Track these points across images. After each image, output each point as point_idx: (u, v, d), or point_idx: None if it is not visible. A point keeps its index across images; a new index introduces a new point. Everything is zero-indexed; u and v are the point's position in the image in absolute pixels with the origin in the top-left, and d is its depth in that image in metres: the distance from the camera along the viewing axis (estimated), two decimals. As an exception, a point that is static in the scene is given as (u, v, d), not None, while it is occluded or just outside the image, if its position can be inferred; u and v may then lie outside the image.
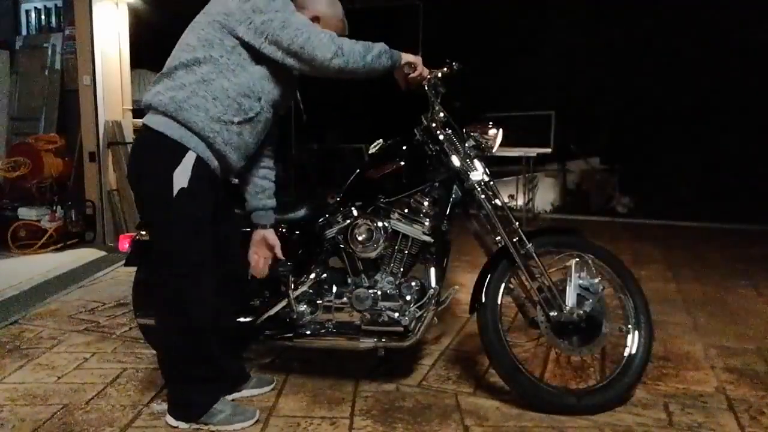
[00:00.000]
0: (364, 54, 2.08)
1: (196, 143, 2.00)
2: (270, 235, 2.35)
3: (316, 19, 2.17)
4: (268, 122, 2.17)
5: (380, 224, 2.40)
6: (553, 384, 2.37)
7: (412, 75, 2.25)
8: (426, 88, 2.32)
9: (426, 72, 2.28)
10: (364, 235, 2.40)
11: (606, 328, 2.28)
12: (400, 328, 2.37)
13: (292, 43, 1.98)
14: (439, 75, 2.35)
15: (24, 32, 5.99)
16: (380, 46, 2.15)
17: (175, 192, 1.98)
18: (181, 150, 1.99)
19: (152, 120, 2.03)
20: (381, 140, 2.58)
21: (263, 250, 2.36)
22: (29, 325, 3.29)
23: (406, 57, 2.22)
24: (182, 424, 2.14)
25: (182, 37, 2.07)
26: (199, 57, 1.99)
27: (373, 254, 2.41)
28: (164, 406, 2.24)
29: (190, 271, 2.06)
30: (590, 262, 2.31)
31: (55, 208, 5.24)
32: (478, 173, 2.34)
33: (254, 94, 2.06)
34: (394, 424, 2.17)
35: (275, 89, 2.13)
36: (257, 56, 2.03)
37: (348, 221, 2.45)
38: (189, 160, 1.99)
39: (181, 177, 1.98)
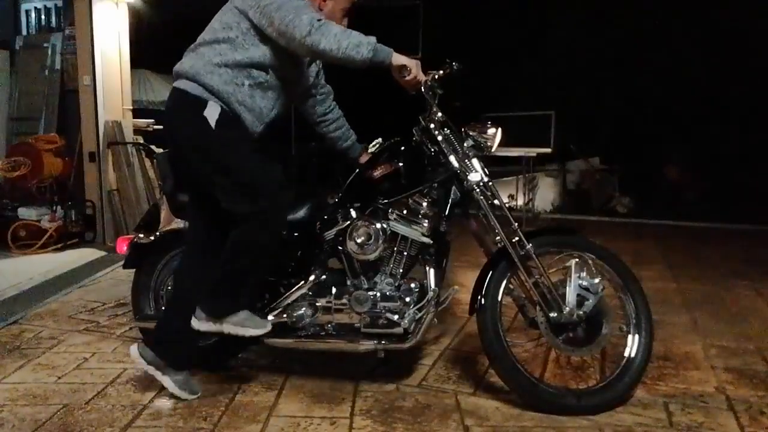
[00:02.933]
0: (340, 39, 2.13)
1: (214, 100, 2.24)
2: (362, 157, 2.61)
3: None
4: (282, 93, 2.38)
5: (379, 226, 2.39)
6: (553, 384, 2.37)
7: (407, 78, 2.21)
8: (423, 90, 2.30)
9: (422, 76, 2.24)
10: (362, 237, 2.39)
11: (606, 328, 2.28)
12: (400, 330, 2.37)
13: (280, 23, 2.17)
14: (437, 77, 2.32)
15: (24, 32, 5.98)
16: (364, 38, 2.16)
17: (213, 124, 2.21)
18: (203, 101, 2.24)
19: (178, 83, 2.31)
20: (380, 139, 2.58)
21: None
22: (29, 325, 3.29)
23: (399, 59, 2.18)
24: (205, 325, 2.32)
25: (211, 21, 2.34)
26: (219, 37, 2.27)
27: (372, 256, 2.41)
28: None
29: (259, 177, 2.23)
30: (590, 262, 2.31)
31: (55, 208, 5.24)
32: (477, 174, 2.33)
33: (263, 65, 2.28)
34: (394, 424, 2.17)
35: (285, 64, 2.33)
36: (267, 37, 2.25)
37: (347, 223, 2.44)
38: (213, 105, 2.23)
39: (213, 114, 2.23)
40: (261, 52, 2.26)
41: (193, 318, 2.34)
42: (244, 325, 2.31)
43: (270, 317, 2.46)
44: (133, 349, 2.41)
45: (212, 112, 2.22)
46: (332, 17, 2.32)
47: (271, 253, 2.35)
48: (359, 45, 2.13)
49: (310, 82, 2.57)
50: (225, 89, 2.23)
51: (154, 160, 5.27)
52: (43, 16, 5.95)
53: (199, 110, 2.22)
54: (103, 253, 4.96)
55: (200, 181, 2.32)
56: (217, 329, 2.32)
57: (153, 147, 5.59)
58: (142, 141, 5.67)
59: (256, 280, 2.41)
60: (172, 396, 2.36)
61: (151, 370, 2.37)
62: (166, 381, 2.36)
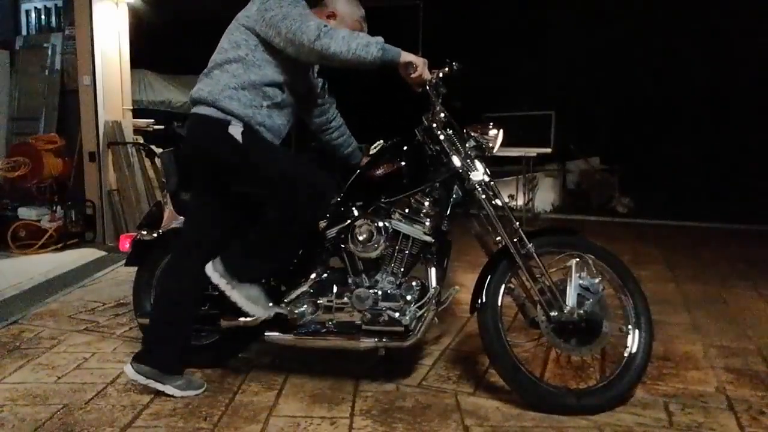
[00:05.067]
0: (349, 41, 2.15)
1: (236, 121, 2.28)
2: (363, 161, 2.66)
3: (332, 15, 2.41)
4: (293, 108, 2.45)
5: (381, 224, 2.40)
6: (554, 384, 2.37)
7: (413, 75, 2.23)
8: (428, 88, 2.32)
9: (427, 74, 2.26)
10: (364, 235, 2.40)
11: (606, 328, 2.27)
12: (401, 328, 2.37)
13: (288, 31, 2.19)
14: (441, 75, 2.33)
15: (24, 32, 5.98)
16: (372, 38, 2.18)
17: (240, 139, 2.26)
18: (226, 122, 2.28)
19: (197, 109, 2.34)
20: (382, 141, 2.59)
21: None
22: (29, 325, 3.29)
23: (406, 56, 2.21)
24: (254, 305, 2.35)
25: (220, 42, 2.36)
26: (230, 57, 2.29)
27: (373, 254, 2.41)
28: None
29: (296, 174, 2.28)
30: (590, 262, 2.31)
31: (55, 208, 5.24)
32: (479, 173, 2.34)
33: (277, 83, 2.32)
34: (394, 424, 2.17)
35: (296, 78, 2.39)
36: (275, 50, 2.27)
37: (349, 221, 2.45)
38: (236, 125, 2.27)
39: (236, 130, 2.27)
40: (272, 69, 2.29)
41: (209, 264, 2.35)
42: (251, 301, 2.34)
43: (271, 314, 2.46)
44: (128, 368, 2.41)
45: (236, 130, 2.26)
46: None
47: (304, 238, 2.39)
48: (368, 45, 2.15)
49: (317, 93, 2.61)
50: (245, 113, 2.27)
51: (158, 159, 5.28)
52: (43, 16, 5.95)
53: (224, 129, 2.26)
54: (103, 253, 4.96)
55: (236, 190, 2.35)
56: (224, 289, 2.32)
57: (153, 147, 5.59)
58: (142, 141, 5.67)
59: (282, 262, 2.44)
60: (172, 396, 2.37)
61: (152, 383, 2.38)
62: (169, 389, 2.37)
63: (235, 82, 2.27)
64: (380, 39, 2.19)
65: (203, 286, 2.44)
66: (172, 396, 2.37)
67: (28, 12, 5.99)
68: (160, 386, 2.38)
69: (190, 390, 2.40)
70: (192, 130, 2.38)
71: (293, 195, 2.26)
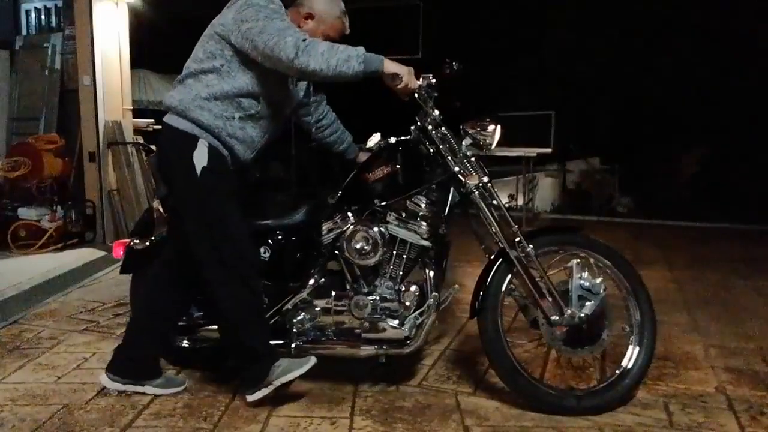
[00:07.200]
0: (329, 57, 2.09)
1: (205, 135, 2.22)
2: (361, 156, 2.64)
3: (309, 16, 2.31)
4: (273, 119, 2.36)
5: (377, 230, 2.36)
6: (553, 385, 2.36)
7: (399, 87, 2.18)
8: (416, 97, 2.27)
9: (414, 84, 2.21)
10: (361, 243, 2.37)
11: (607, 329, 2.27)
12: (401, 336, 2.35)
13: (265, 47, 2.12)
14: (431, 83, 2.28)
15: (24, 32, 5.97)
16: (352, 50, 2.12)
17: (198, 171, 2.20)
18: (194, 139, 2.22)
19: (168, 118, 2.29)
20: (378, 134, 2.53)
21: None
22: (29, 325, 3.29)
23: (390, 67, 2.15)
24: (258, 394, 2.26)
25: (195, 48, 2.30)
26: (205, 67, 2.23)
27: (371, 262, 2.38)
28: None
29: (234, 240, 2.24)
30: (592, 261, 2.30)
31: (55, 208, 5.23)
32: (475, 176, 2.30)
33: (253, 94, 2.25)
34: (394, 424, 2.17)
35: (273, 89, 2.31)
36: (252, 61, 2.20)
37: (345, 226, 2.41)
38: (203, 146, 2.22)
39: (201, 158, 2.21)
40: (248, 80, 2.22)
41: (246, 397, 2.29)
42: (291, 371, 2.26)
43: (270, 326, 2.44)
44: (103, 378, 2.41)
45: (201, 155, 2.20)
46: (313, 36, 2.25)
47: (254, 302, 2.32)
48: (348, 59, 2.09)
49: (299, 99, 2.54)
50: (215, 124, 2.21)
51: (148, 163, 5.27)
52: (43, 16, 5.94)
53: (189, 151, 2.20)
54: (102, 253, 4.95)
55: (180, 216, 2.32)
56: (271, 389, 2.26)
57: (153, 147, 5.59)
58: (142, 141, 5.67)
59: (261, 326, 2.35)
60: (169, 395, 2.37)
61: (130, 387, 2.38)
62: (149, 389, 2.38)
63: (207, 92, 2.20)
64: (361, 50, 2.12)
65: (180, 294, 2.43)
66: (154, 395, 2.37)
67: (28, 12, 5.98)
68: (139, 388, 2.38)
69: (171, 387, 2.40)
70: (161, 141, 2.36)
71: (215, 248, 2.23)
